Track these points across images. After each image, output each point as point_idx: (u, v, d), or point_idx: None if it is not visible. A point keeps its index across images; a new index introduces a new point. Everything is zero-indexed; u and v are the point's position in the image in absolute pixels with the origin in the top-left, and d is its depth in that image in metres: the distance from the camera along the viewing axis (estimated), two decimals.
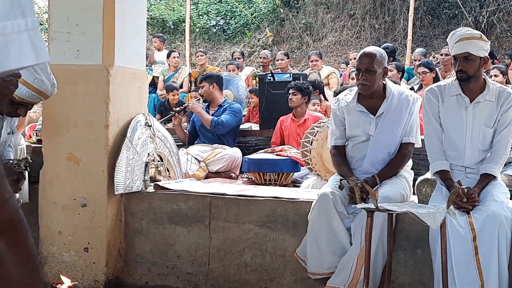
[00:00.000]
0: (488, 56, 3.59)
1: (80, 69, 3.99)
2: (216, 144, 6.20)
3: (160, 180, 4.34)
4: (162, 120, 7.02)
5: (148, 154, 4.29)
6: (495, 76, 7.34)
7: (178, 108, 6.56)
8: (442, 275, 3.15)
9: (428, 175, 3.76)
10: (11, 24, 0.78)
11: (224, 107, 6.39)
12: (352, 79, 7.44)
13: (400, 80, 7.87)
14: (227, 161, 5.97)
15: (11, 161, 2.85)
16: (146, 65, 5.34)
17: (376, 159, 3.75)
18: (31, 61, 0.82)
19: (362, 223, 3.41)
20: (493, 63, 8.45)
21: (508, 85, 6.97)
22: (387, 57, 3.90)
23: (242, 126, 6.85)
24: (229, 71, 9.64)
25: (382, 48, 7.91)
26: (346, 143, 3.91)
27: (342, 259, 3.51)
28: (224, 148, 6.12)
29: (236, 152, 6.07)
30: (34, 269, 0.79)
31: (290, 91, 6.19)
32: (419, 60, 8.75)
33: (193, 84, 9.29)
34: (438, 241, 3.19)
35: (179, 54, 10.32)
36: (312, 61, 9.22)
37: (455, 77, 3.66)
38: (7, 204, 0.74)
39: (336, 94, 6.17)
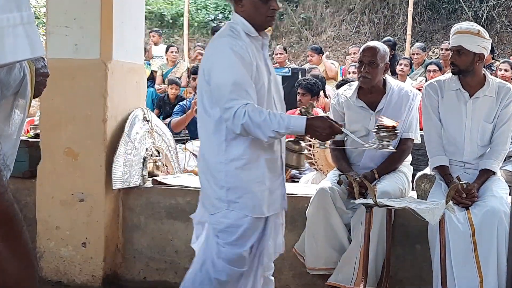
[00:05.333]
0: (484, 54, 3.56)
1: (78, 64, 3.97)
2: None
3: (158, 175, 4.33)
4: None
5: (146, 149, 4.28)
6: (505, 70, 7.29)
7: None
8: (441, 271, 3.15)
9: (427, 170, 3.75)
10: (6, 18, 0.77)
11: None
12: (354, 73, 7.42)
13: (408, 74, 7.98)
14: None
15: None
16: (144, 60, 5.31)
17: (375, 154, 3.74)
18: (26, 55, 0.81)
19: (361, 218, 3.40)
20: (493, 58, 8.43)
21: None
22: (389, 53, 3.90)
23: None
24: None
25: (383, 41, 7.95)
26: (345, 138, 3.90)
27: (343, 256, 3.50)
28: None
29: None
30: (29, 263, 0.78)
31: (299, 91, 5.96)
32: (417, 54, 8.76)
33: (191, 78, 9.26)
34: (437, 236, 3.18)
35: (178, 48, 10.29)
36: (308, 56, 9.24)
37: None
38: (2, 199, 0.74)
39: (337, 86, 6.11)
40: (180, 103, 6.67)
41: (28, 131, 5.64)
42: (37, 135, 4.54)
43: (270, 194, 2.77)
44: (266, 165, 2.73)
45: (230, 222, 2.70)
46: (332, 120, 2.73)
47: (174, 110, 6.46)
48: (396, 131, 2.86)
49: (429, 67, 7.81)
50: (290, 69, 7.26)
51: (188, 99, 6.65)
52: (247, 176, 2.69)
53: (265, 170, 2.73)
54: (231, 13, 13.36)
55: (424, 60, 8.82)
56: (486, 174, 3.51)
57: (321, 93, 7.00)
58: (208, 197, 2.79)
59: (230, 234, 2.71)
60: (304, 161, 2.95)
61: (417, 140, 3.86)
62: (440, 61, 8.67)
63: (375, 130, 2.88)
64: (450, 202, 3.14)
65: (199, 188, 4.08)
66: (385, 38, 9.44)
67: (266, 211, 2.75)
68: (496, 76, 6.37)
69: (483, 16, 12.49)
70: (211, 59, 2.73)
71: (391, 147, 2.87)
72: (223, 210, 2.71)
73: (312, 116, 2.71)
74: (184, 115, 6.08)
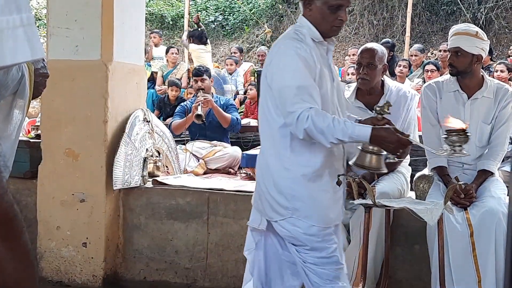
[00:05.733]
0: (482, 55, 3.57)
1: (78, 65, 3.99)
2: (216, 142, 6.14)
3: (158, 176, 4.34)
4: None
5: (147, 149, 4.29)
6: (501, 71, 7.28)
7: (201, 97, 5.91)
8: (439, 271, 3.16)
9: (426, 171, 3.76)
10: (6, 20, 0.78)
11: (222, 103, 6.30)
12: (353, 74, 7.42)
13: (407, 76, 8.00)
14: (228, 160, 5.90)
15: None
16: (145, 61, 5.31)
17: None
18: (26, 57, 0.82)
19: (360, 219, 3.41)
20: (491, 59, 8.44)
21: None
22: (387, 54, 3.91)
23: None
24: (227, 65, 9.66)
25: (382, 43, 7.97)
26: None
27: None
28: (224, 146, 6.06)
29: (236, 151, 5.96)
30: (29, 264, 0.79)
31: None
32: (415, 55, 8.76)
33: (191, 80, 9.27)
34: (436, 237, 3.20)
35: (178, 50, 10.30)
36: None
37: None
38: (2, 200, 0.74)
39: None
40: (182, 103, 6.65)
41: (29, 132, 5.65)
42: (38, 136, 4.56)
43: (334, 203, 2.69)
44: (329, 174, 2.64)
45: (301, 231, 2.61)
46: (399, 131, 2.58)
47: (175, 110, 6.44)
48: (467, 133, 2.68)
49: (427, 67, 7.83)
50: None
51: (189, 100, 6.64)
52: (312, 184, 2.60)
53: (329, 179, 2.64)
54: (231, 14, 13.26)
55: (423, 62, 8.83)
56: (484, 175, 3.52)
57: None
58: (268, 203, 2.67)
59: (306, 242, 2.63)
60: (383, 162, 2.70)
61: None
62: (439, 63, 8.68)
63: (445, 136, 2.71)
64: (449, 203, 3.15)
65: (200, 188, 4.12)
66: (384, 40, 9.43)
67: (331, 220, 2.67)
68: (493, 77, 6.38)
69: (481, 18, 12.49)
70: (274, 62, 2.63)
71: (464, 151, 2.68)
72: (287, 218, 2.62)
73: (378, 126, 2.55)
74: (185, 118, 6.07)
